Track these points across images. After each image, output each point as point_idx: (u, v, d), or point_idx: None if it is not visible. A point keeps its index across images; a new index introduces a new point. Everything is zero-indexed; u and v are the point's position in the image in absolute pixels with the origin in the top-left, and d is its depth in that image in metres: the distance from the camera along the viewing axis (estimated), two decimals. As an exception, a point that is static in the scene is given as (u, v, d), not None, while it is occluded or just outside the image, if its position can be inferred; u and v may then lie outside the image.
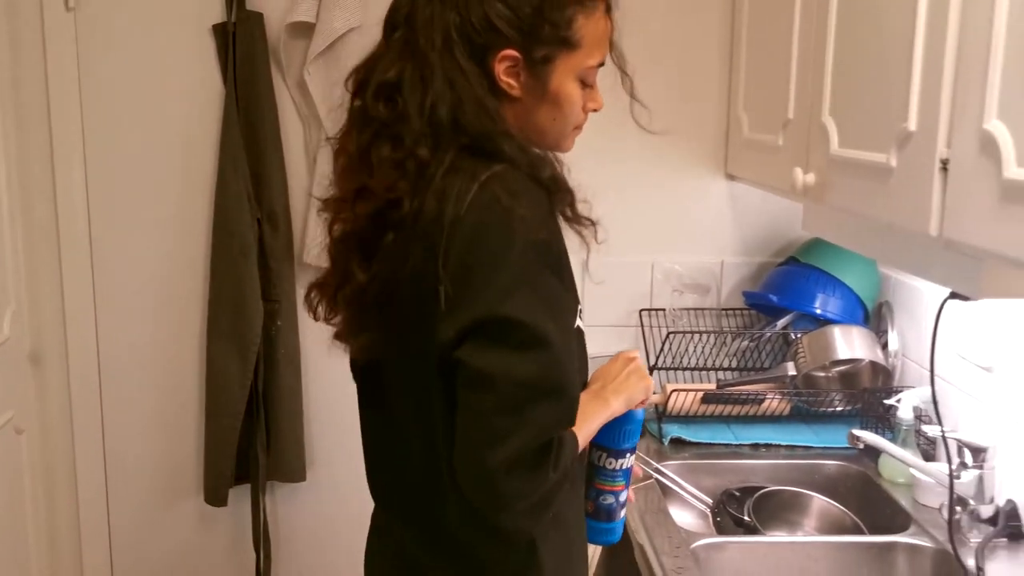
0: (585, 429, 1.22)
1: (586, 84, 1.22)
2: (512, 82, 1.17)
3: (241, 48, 2.18)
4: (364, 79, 1.20)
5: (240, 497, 2.36)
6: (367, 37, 2.15)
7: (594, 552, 1.84)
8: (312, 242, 2.25)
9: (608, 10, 1.23)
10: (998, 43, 1.05)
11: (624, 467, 1.33)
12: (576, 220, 1.19)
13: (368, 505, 2.44)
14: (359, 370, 1.33)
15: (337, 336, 1.29)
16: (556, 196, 1.17)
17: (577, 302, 1.20)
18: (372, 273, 1.16)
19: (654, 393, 1.89)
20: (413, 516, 1.29)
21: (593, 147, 1.29)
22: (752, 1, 2.14)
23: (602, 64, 1.23)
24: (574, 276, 1.19)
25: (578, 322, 1.21)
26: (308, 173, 2.28)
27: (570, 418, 1.15)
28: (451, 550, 1.25)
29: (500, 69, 1.16)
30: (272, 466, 2.34)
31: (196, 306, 2.32)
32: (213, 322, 2.26)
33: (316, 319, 1.29)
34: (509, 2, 1.15)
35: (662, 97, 2.15)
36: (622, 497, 1.35)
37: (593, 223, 1.20)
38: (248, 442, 2.31)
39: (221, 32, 2.19)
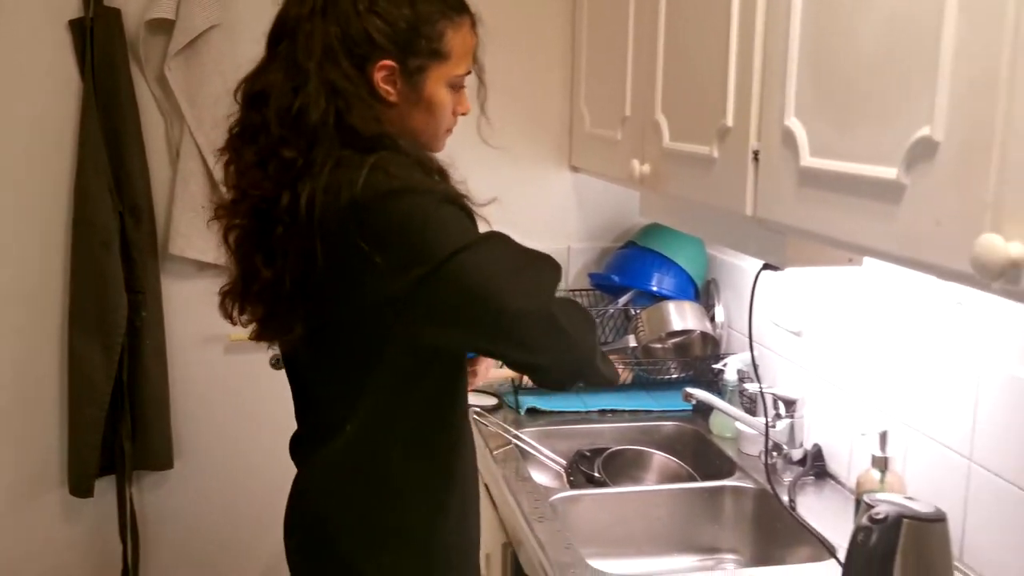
0: None
1: (455, 90, 1.36)
2: (389, 89, 1.29)
3: (99, 44, 2.19)
4: (244, 90, 1.30)
5: (106, 488, 2.37)
6: (228, 33, 2.23)
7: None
8: (176, 233, 2.29)
9: (473, 25, 1.37)
10: (793, 55, 1.27)
11: None
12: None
13: (235, 490, 2.51)
14: (290, 361, 1.43)
15: (259, 337, 1.36)
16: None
17: None
18: (278, 268, 1.25)
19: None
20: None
21: (448, 142, 1.43)
22: (591, 7, 2.34)
23: (469, 73, 1.38)
24: None
25: None
26: (170, 166, 2.31)
27: (557, 267, 1.26)
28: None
29: (379, 77, 1.28)
30: (138, 455, 2.36)
31: (56, 299, 2.31)
32: (76, 314, 2.27)
33: (233, 323, 1.37)
34: (386, 18, 1.27)
35: (510, 95, 2.31)
36: None
37: (482, 204, 1.29)
38: (113, 433, 2.33)
39: (78, 27, 2.20)
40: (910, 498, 1.30)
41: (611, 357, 2.32)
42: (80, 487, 2.32)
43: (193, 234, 2.29)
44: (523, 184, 2.49)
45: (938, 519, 1.24)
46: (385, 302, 1.21)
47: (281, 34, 1.29)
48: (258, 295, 1.30)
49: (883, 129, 1.07)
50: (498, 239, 1.21)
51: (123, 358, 2.28)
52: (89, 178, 2.21)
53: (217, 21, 2.22)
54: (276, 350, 2.40)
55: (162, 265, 2.34)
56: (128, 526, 2.39)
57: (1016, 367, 1.40)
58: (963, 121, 0.94)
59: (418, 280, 1.16)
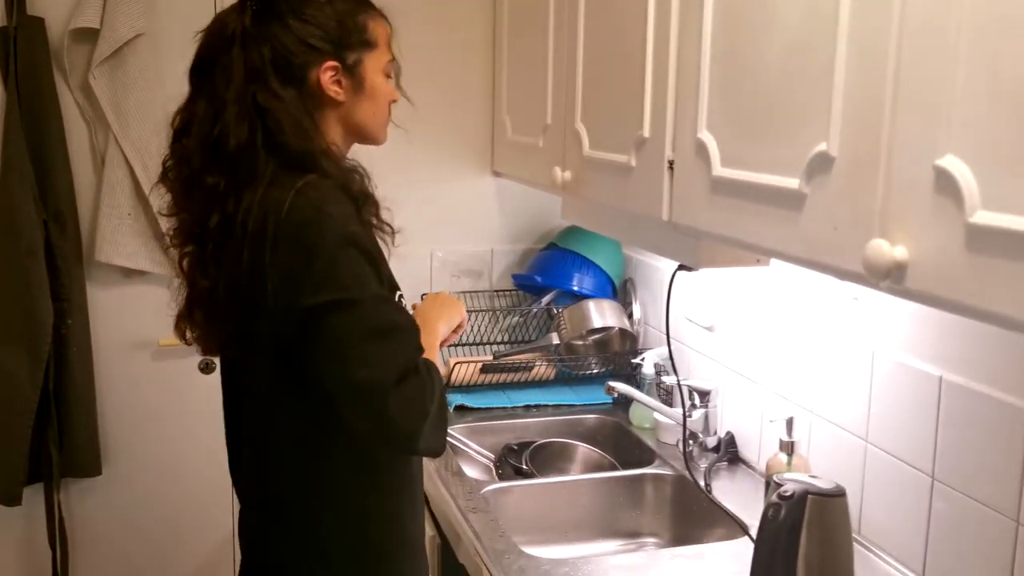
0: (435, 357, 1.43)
1: (388, 78, 1.44)
2: (337, 88, 1.37)
3: (22, 53, 2.18)
4: (172, 124, 1.38)
5: (34, 496, 2.36)
6: (152, 42, 2.26)
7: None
8: (103, 240, 2.30)
9: (383, 15, 1.45)
10: (705, 73, 1.38)
11: None
12: (379, 227, 1.39)
13: (164, 495, 2.53)
14: (223, 370, 1.50)
15: (206, 352, 1.46)
16: (364, 207, 1.36)
17: (396, 288, 1.40)
18: (212, 279, 1.33)
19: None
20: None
21: (378, 150, 1.50)
22: (511, 17, 2.43)
23: (394, 59, 1.46)
24: (389, 267, 1.38)
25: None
26: (95, 173, 2.32)
27: (414, 344, 1.31)
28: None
29: (326, 79, 1.36)
30: (66, 462, 2.36)
31: (-21, 308, 2.30)
32: (1, 323, 2.25)
33: (188, 344, 1.45)
34: (315, 23, 1.35)
35: (434, 105, 2.38)
36: None
37: (393, 230, 1.41)
38: (41, 440, 2.32)
39: (1, 36, 2.19)
40: (814, 476, 1.43)
41: (535, 355, 2.44)
42: (8, 495, 2.30)
43: (120, 241, 2.31)
44: (448, 189, 2.57)
45: (839, 494, 1.37)
46: (279, 320, 1.29)
47: (201, 68, 1.36)
48: (198, 304, 1.38)
49: (786, 143, 1.19)
50: (372, 305, 1.27)
51: (49, 366, 2.28)
52: (13, 187, 2.20)
53: (142, 30, 2.24)
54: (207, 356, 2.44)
55: (87, 272, 2.34)
56: (57, 533, 2.39)
57: (904, 355, 1.54)
58: (854, 138, 1.07)
59: (300, 310, 1.26)
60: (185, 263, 1.39)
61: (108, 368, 2.41)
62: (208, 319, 1.38)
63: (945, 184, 0.93)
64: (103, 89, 2.25)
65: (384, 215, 1.40)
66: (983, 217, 0.89)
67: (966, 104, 0.90)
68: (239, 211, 1.29)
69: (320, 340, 1.25)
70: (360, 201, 1.36)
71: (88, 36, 2.23)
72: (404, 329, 1.30)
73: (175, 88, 2.28)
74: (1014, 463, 1.33)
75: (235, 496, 2.51)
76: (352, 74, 1.39)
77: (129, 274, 2.37)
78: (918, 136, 0.96)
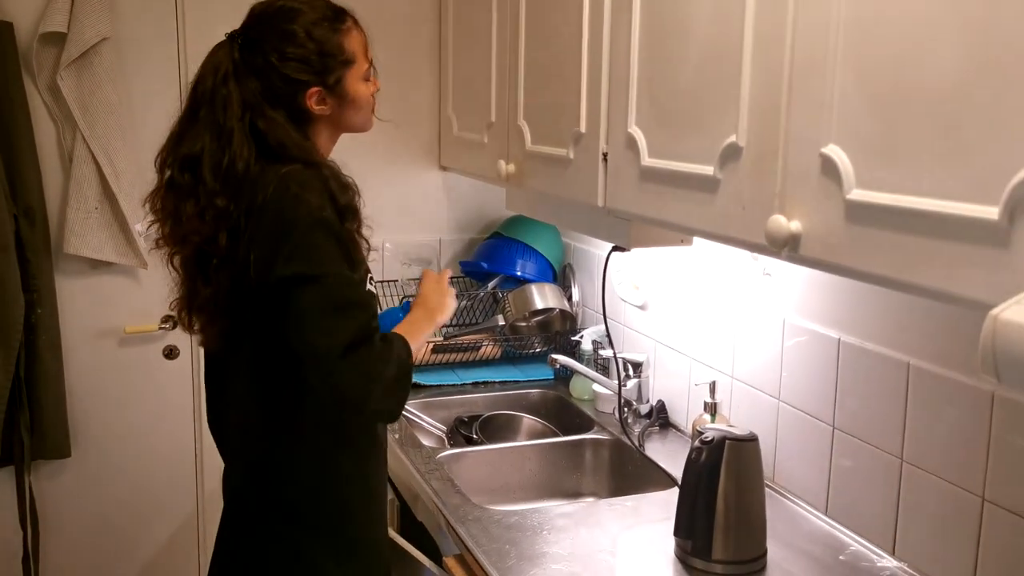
0: (418, 341, 1.60)
1: (367, 80, 1.60)
2: (323, 108, 1.54)
3: (-8, 55, 2.30)
4: (171, 154, 1.51)
5: (5, 479, 2.46)
6: (117, 45, 2.39)
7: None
8: (71, 233, 2.41)
9: (356, 23, 1.60)
10: (633, 76, 1.58)
11: None
12: (361, 236, 1.53)
13: (130, 474, 2.65)
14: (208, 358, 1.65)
15: (208, 344, 1.58)
16: (347, 219, 1.47)
17: (367, 272, 1.56)
18: (214, 286, 1.48)
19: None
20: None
21: (334, 148, 1.67)
22: (456, 21, 2.60)
23: (371, 62, 1.61)
24: (361, 251, 1.53)
25: (369, 286, 1.57)
26: (63, 170, 2.43)
27: (367, 317, 1.45)
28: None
29: (312, 103, 1.52)
30: (36, 445, 2.46)
31: (-49, 299, 2.39)
32: (-27, 313, 2.36)
33: (185, 329, 1.59)
34: (296, 56, 1.50)
35: (384, 104, 2.52)
36: None
37: (370, 247, 1.57)
38: (12, 425, 2.43)
39: (-29, 40, 2.30)
40: (731, 426, 1.65)
41: (482, 336, 2.62)
42: (-21, 479, 2.40)
43: (87, 234, 2.42)
44: (398, 184, 2.74)
45: (752, 439, 1.58)
46: (259, 290, 1.44)
47: (199, 103, 1.50)
48: (200, 308, 1.54)
49: (702, 136, 1.39)
50: (334, 280, 1.42)
51: (20, 353, 2.38)
52: (-16, 183, 2.31)
53: (107, 34, 2.36)
54: (169, 341, 2.57)
55: (56, 264, 2.45)
56: (28, 513, 2.49)
57: (808, 322, 1.77)
58: (757, 132, 1.28)
59: (274, 281, 1.42)
60: (176, 262, 1.53)
61: (76, 354, 2.52)
62: (210, 322, 1.53)
63: (828, 168, 1.14)
64: (70, 90, 2.36)
65: (366, 232, 1.54)
66: (858, 195, 1.10)
67: (843, 103, 1.12)
68: (224, 232, 1.45)
69: (287, 309, 1.42)
70: (346, 214, 1.47)
71: (56, 40, 2.35)
72: (360, 305, 1.46)
73: (138, 88, 2.45)
74: (898, 408, 1.55)
75: (198, 475, 2.67)
76: (334, 92, 1.54)
77: (96, 265, 2.50)
78: (807, 129, 1.18)
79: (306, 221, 1.42)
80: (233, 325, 1.52)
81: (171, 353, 2.60)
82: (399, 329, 1.58)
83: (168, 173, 1.52)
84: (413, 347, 1.54)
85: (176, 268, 1.55)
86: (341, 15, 1.58)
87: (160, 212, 1.53)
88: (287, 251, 1.42)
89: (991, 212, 0.92)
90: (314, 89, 1.53)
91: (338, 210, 1.46)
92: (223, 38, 1.54)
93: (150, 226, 1.57)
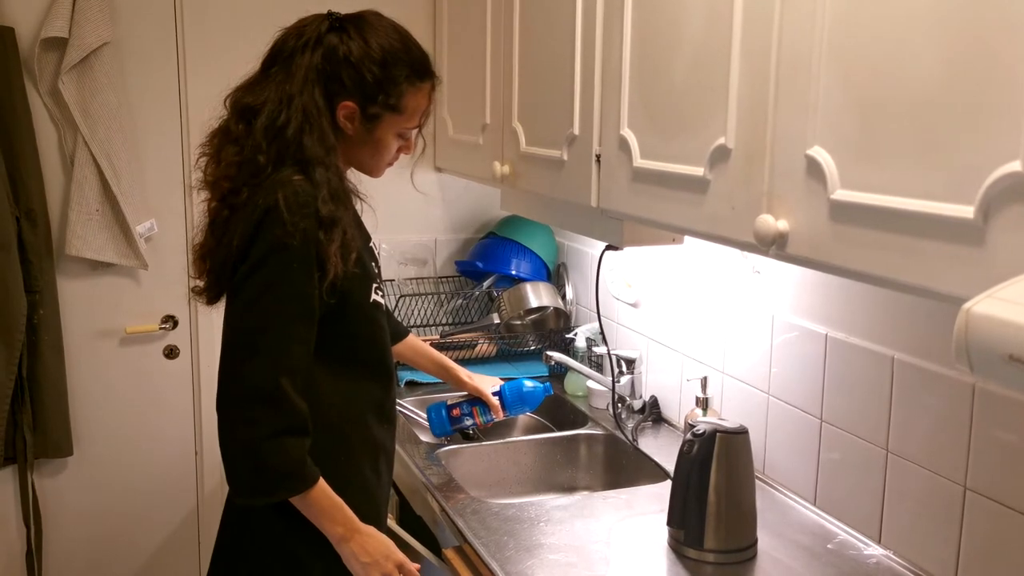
0: (315, 513, 1.49)
1: (402, 138, 1.62)
2: (348, 125, 1.55)
3: (-6, 60, 2.33)
4: (236, 100, 1.55)
5: (8, 477, 2.50)
6: (117, 50, 2.42)
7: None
8: (73, 235, 2.45)
9: (433, 89, 1.63)
10: (625, 79, 1.63)
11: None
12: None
13: (131, 472, 2.68)
14: None
15: (209, 302, 1.60)
16: (326, 231, 1.45)
17: (372, 280, 1.59)
18: (219, 238, 1.51)
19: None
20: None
21: None
22: (450, 24, 2.64)
23: (418, 127, 1.64)
24: (364, 262, 1.56)
25: (375, 296, 1.61)
26: (64, 173, 2.46)
27: (270, 369, 1.44)
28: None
29: (341, 114, 1.54)
30: (39, 444, 2.50)
31: (-46, 300, 2.42)
32: (-23, 314, 2.39)
33: (192, 276, 1.62)
34: (359, 68, 1.52)
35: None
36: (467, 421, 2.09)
37: (378, 262, 1.63)
38: (15, 424, 2.46)
39: (-28, 45, 2.33)
40: (722, 419, 1.69)
41: (478, 334, 2.66)
42: (-17, 478, 2.44)
43: (88, 235, 2.46)
44: (394, 185, 2.76)
45: (742, 432, 1.63)
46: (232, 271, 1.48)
47: (276, 60, 1.54)
48: (203, 257, 1.57)
49: (692, 138, 1.44)
50: (267, 305, 1.44)
51: (23, 354, 2.42)
52: (-14, 186, 2.34)
53: (108, 39, 2.40)
54: (169, 341, 2.60)
55: (58, 265, 2.49)
56: (31, 511, 2.53)
57: (797, 319, 1.81)
58: (746, 134, 1.32)
59: (239, 276, 1.46)
60: (208, 209, 1.55)
61: (78, 354, 2.55)
62: (211, 271, 1.56)
63: (814, 169, 1.19)
64: (71, 94, 2.39)
65: (344, 250, 1.49)
66: (842, 195, 1.15)
67: (826, 106, 1.17)
68: (258, 194, 1.46)
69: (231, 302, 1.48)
70: (324, 223, 1.45)
71: (57, 44, 2.38)
72: (272, 357, 1.44)
73: (138, 92, 2.48)
74: (883, 401, 1.60)
75: (198, 473, 2.70)
76: (366, 123, 1.56)
77: (96, 267, 2.53)
78: (793, 131, 1.22)
79: (279, 239, 1.42)
80: (223, 291, 1.55)
81: (171, 353, 2.64)
82: (328, 498, 1.50)
83: (226, 117, 1.56)
84: (311, 505, 1.49)
85: (207, 213, 1.57)
86: (425, 75, 1.60)
87: (208, 148, 1.57)
88: (252, 261, 1.45)
89: (967, 211, 0.96)
90: (349, 103, 1.54)
91: (319, 220, 1.46)
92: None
93: (198, 160, 1.59)
